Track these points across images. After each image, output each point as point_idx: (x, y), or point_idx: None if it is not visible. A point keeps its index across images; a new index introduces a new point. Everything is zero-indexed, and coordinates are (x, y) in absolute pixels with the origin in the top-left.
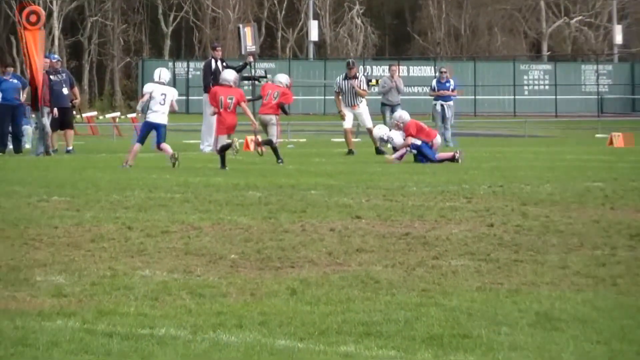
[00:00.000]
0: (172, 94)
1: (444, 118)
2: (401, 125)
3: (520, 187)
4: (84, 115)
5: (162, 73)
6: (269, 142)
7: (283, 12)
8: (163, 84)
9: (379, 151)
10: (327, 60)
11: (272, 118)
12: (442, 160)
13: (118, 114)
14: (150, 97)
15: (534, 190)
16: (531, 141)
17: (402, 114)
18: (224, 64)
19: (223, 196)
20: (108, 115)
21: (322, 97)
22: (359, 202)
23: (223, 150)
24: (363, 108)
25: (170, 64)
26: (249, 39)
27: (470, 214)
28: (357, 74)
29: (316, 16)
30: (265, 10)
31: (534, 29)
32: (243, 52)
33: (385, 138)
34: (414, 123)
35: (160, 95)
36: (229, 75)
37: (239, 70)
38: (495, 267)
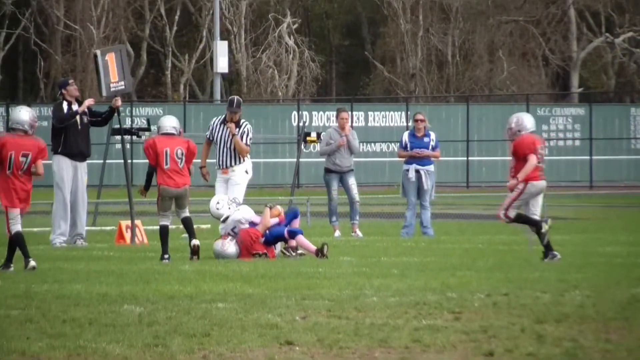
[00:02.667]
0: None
1: (419, 191)
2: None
3: (534, 297)
4: None
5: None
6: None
7: (174, 28)
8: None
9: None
10: (243, 105)
11: (187, 189)
12: (291, 251)
13: None
14: None
15: (555, 300)
16: (552, 225)
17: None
18: (84, 109)
19: (84, 313)
20: None
21: None
22: (291, 321)
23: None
24: (239, 175)
25: (2, 109)
26: (112, 72)
27: (459, 337)
28: (242, 121)
29: (225, 35)
30: (146, 25)
31: (559, 52)
32: (105, 94)
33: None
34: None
35: None
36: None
37: (103, 120)
38: None
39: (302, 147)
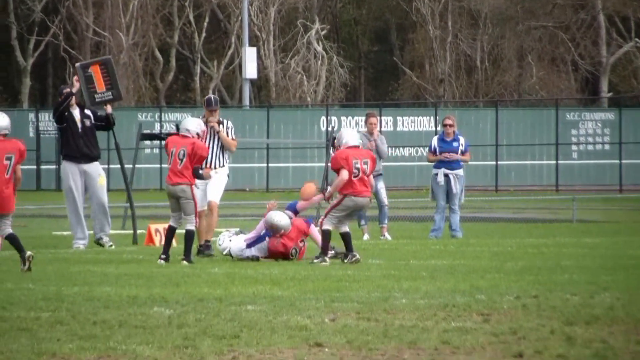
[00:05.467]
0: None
1: (449, 194)
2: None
3: (564, 298)
4: None
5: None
6: (189, 234)
7: (203, 34)
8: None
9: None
10: (272, 109)
11: (185, 190)
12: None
13: None
14: None
15: (585, 302)
16: (582, 228)
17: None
18: (86, 111)
19: (114, 315)
20: None
21: (265, 165)
22: (320, 323)
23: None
24: (221, 175)
25: (32, 114)
26: (98, 82)
27: (489, 339)
28: (222, 119)
29: (254, 41)
30: (175, 31)
31: (589, 57)
32: (89, 104)
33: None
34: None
35: None
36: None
37: (105, 125)
38: None
39: (331, 151)
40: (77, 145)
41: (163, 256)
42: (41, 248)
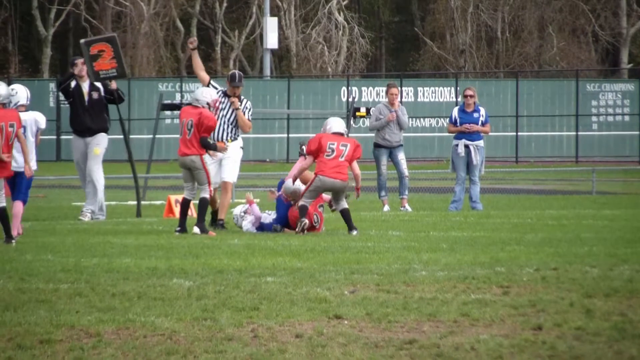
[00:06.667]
0: (34, 121)
1: (469, 166)
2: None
3: (583, 271)
4: None
5: (19, 94)
6: (203, 202)
7: (224, 4)
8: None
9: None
10: (292, 80)
11: (194, 160)
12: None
13: None
14: None
15: (605, 275)
16: (601, 200)
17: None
18: (96, 83)
19: (133, 286)
20: None
21: (285, 136)
22: (340, 295)
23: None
24: (234, 150)
25: (52, 84)
26: (103, 60)
27: (508, 312)
28: (242, 97)
29: (275, 11)
30: (197, 1)
31: (609, 28)
32: (93, 80)
33: (235, 220)
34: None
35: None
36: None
37: (115, 99)
38: None
39: (352, 122)
40: (82, 120)
41: (178, 228)
42: (61, 219)
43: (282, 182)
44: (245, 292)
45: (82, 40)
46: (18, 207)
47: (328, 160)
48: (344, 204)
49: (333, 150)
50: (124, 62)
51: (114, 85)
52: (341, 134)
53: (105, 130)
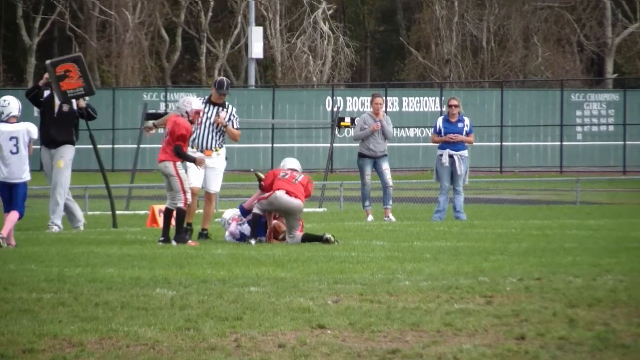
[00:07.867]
0: (26, 132)
1: (453, 176)
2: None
3: (566, 281)
4: None
5: (11, 105)
6: (178, 212)
7: (210, 13)
8: (12, 121)
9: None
10: (277, 89)
11: (167, 165)
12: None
13: None
14: None
15: (588, 284)
16: (585, 210)
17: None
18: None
19: (117, 296)
20: None
21: (269, 145)
22: (323, 305)
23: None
24: (220, 162)
25: None
26: (70, 80)
27: (491, 321)
28: (226, 104)
29: (260, 20)
30: (182, 10)
31: (594, 38)
32: (60, 101)
33: (222, 223)
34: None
35: (10, 140)
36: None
37: (87, 115)
38: None
39: (336, 132)
40: (48, 132)
41: (162, 238)
42: (44, 229)
43: (241, 207)
44: (228, 301)
45: (47, 62)
46: (13, 214)
47: (283, 180)
48: (298, 237)
49: (286, 174)
50: (91, 81)
51: (82, 103)
52: (295, 170)
53: (72, 143)
